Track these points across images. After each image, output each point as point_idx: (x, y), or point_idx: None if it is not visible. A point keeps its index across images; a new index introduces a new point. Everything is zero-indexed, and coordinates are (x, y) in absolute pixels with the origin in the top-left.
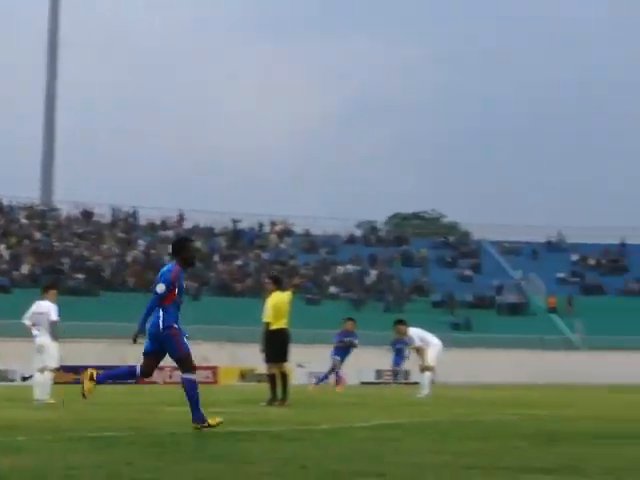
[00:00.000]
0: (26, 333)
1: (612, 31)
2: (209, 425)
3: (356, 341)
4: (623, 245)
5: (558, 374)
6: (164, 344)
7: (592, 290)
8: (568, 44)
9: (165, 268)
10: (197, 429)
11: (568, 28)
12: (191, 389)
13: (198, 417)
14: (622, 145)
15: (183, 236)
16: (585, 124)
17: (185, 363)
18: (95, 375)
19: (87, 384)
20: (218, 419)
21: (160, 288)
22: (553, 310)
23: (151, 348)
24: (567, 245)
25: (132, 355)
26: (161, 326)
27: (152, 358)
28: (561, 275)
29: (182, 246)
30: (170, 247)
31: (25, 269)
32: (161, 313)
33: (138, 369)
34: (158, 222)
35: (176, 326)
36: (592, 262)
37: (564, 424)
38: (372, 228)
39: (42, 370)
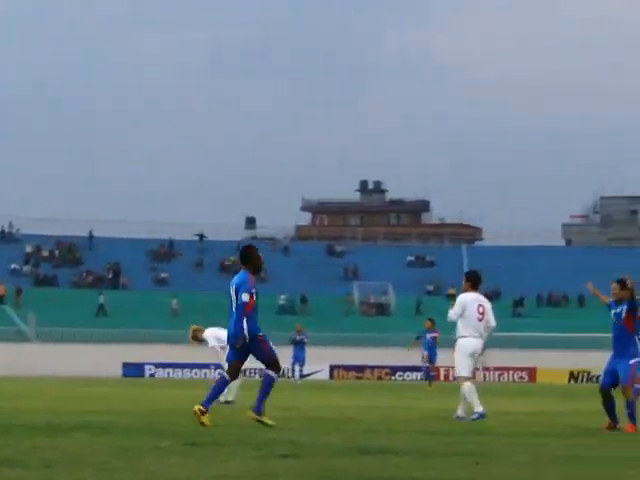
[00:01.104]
0: None
1: None
2: (261, 421)
3: None
4: (91, 237)
5: (10, 366)
6: (252, 349)
7: (45, 281)
8: None
9: (240, 278)
10: (252, 419)
11: None
12: (269, 384)
13: (259, 409)
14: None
15: (250, 244)
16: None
17: (274, 365)
18: (202, 408)
19: (205, 419)
20: (270, 422)
21: (245, 297)
22: (1, 301)
23: (238, 355)
24: (20, 236)
25: None
26: (247, 334)
27: (238, 362)
28: (14, 266)
29: (251, 254)
30: (239, 256)
31: None
32: (245, 321)
33: (227, 376)
34: None
35: (260, 333)
36: (46, 254)
37: (18, 416)
38: None
39: None
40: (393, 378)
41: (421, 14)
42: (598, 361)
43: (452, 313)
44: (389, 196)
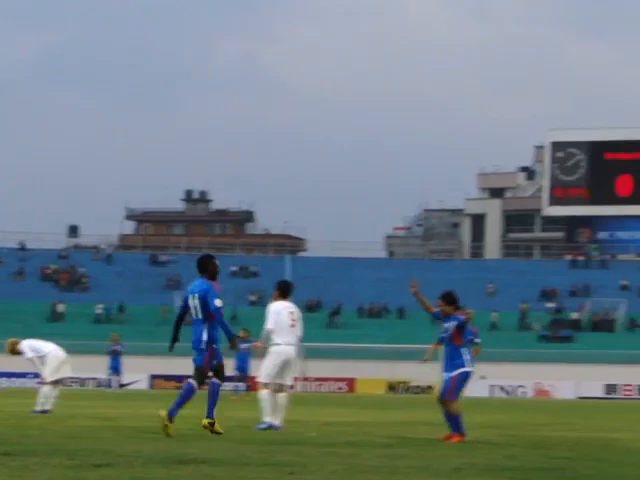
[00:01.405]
0: None
1: None
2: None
3: None
4: None
5: None
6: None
7: None
8: None
9: (203, 285)
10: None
11: None
12: (215, 392)
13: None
14: None
15: (207, 254)
16: None
17: (221, 373)
18: (167, 414)
19: (171, 427)
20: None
21: (219, 302)
22: None
23: (202, 361)
24: None
25: None
26: (206, 340)
27: (205, 369)
28: None
29: (208, 262)
30: (197, 265)
31: None
32: (206, 329)
33: (194, 383)
34: None
35: (215, 345)
36: None
37: None
38: None
39: None
40: None
41: (252, 26)
42: (416, 372)
43: (268, 324)
44: (214, 206)
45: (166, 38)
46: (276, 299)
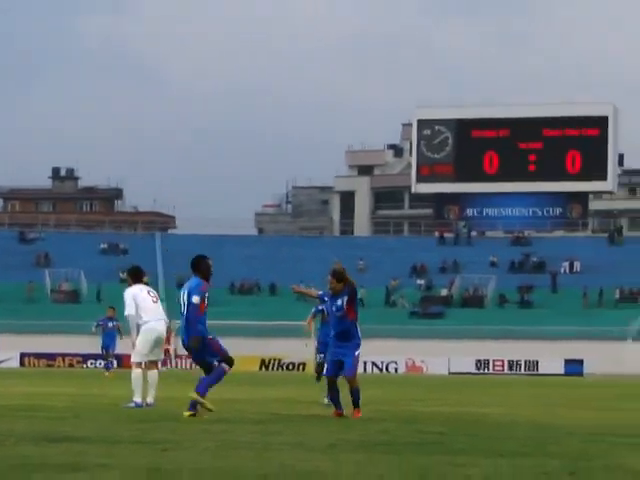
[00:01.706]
0: None
1: None
2: (203, 403)
3: None
4: None
5: None
6: (204, 351)
7: None
8: None
9: (192, 283)
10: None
11: None
12: (220, 376)
13: (204, 391)
14: None
15: (200, 254)
16: None
17: (228, 360)
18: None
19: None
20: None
21: (196, 299)
22: None
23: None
24: None
25: None
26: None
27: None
28: None
29: (200, 263)
30: (190, 265)
31: None
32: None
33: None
34: None
35: (210, 335)
36: None
37: None
38: None
39: None
40: (85, 366)
41: (113, 2)
42: (288, 349)
43: (127, 309)
44: (82, 183)
45: (26, 13)
46: (130, 285)
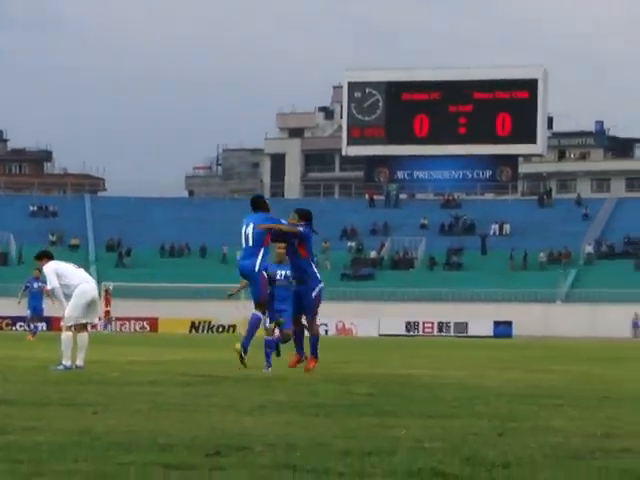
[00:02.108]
0: None
1: None
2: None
3: None
4: None
5: None
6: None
7: None
8: None
9: (263, 216)
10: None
11: None
12: (253, 323)
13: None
14: None
15: (259, 194)
16: None
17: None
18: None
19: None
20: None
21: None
22: None
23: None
24: None
25: None
26: (257, 268)
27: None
28: None
29: (259, 200)
30: (251, 204)
31: None
32: (259, 257)
33: (258, 313)
34: None
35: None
36: None
37: None
38: None
39: None
40: (14, 328)
41: None
42: (217, 311)
43: (51, 284)
44: (10, 145)
45: None
46: (43, 263)
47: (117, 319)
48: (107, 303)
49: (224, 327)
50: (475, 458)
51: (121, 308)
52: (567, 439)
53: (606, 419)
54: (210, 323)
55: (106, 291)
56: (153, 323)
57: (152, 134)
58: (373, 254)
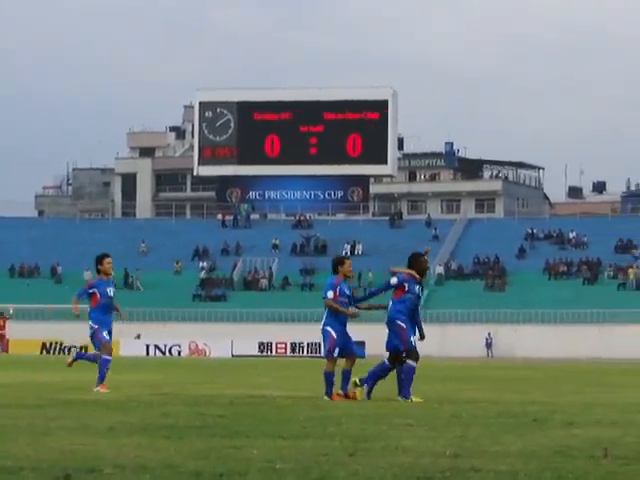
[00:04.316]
0: None
1: None
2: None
3: None
4: None
5: None
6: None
7: None
8: None
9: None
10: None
11: None
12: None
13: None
14: None
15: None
16: None
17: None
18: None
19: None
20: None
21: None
22: None
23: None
24: None
25: None
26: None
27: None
28: None
29: (339, 262)
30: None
31: None
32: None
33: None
34: None
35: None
36: None
37: None
38: None
39: None
40: None
41: None
42: (69, 332)
43: None
44: None
45: None
46: None
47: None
48: (1, 327)
49: (76, 348)
50: (326, 479)
51: None
52: (417, 459)
53: (456, 438)
54: (61, 344)
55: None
56: (4, 344)
57: (1, 152)
58: (227, 274)
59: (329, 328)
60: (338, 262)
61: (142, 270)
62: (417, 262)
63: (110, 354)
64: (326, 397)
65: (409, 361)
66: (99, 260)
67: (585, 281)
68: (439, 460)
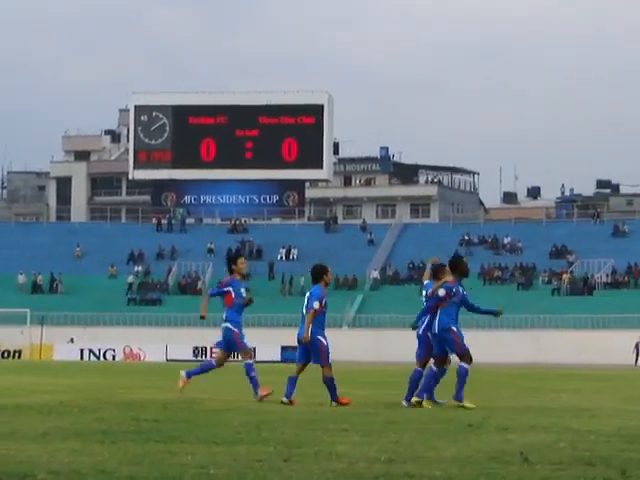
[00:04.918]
0: None
1: None
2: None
3: None
4: None
5: None
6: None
7: None
8: None
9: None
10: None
11: None
12: (463, 374)
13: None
14: None
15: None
16: None
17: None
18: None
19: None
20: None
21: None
22: None
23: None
24: None
25: None
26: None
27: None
28: None
29: (322, 271)
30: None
31: None
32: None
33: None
34: None
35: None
36: None
37: None
38: None
39: None
40: None
41: None
42: (3, 336)
43: None
44: None
45: None
46: None
47: None
48: None
49: (9, 352)
50: None
51: None
52: (351, 464)
53: (390, 444)
54: None
55: None
56: None
57: None
58: (162, 278)
59: (320, 337)
60: (323, 271)
61: (73, 274)
62: (461, 265)
63: (251, 358)
64: (334, 403)
65: (462, 363)
66: (233, 260)
67: (519, 286)
68: (373, 466)
